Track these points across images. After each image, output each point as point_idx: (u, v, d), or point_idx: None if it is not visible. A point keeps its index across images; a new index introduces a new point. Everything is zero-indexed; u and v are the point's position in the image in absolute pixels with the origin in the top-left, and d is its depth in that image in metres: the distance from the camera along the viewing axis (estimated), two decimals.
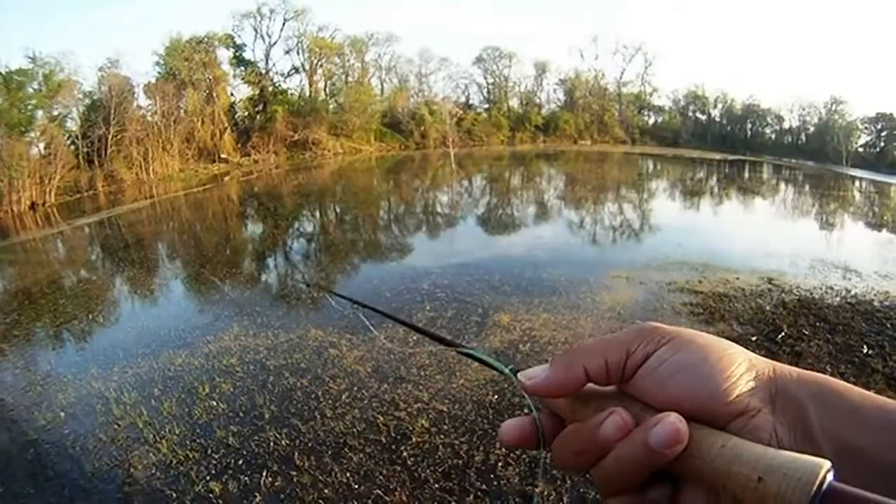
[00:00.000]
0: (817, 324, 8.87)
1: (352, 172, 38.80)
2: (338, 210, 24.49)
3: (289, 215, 23.00)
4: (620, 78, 62.22)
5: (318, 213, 23.86)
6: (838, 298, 10.18)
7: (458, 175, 33.91)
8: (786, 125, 58.14)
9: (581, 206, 22.70)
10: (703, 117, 62.17)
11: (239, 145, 45.10)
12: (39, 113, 32.69)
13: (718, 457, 0.44)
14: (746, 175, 37.79)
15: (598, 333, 8.75)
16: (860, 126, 51.38)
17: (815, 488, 0.38)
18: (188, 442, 6.38)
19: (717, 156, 43.87)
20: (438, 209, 23.69)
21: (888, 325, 8.73)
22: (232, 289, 12.56)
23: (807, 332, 8.50)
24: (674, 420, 0.45)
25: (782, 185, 33.61)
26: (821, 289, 10.72)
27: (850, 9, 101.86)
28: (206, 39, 44.33)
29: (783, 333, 8.40)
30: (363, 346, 8.68)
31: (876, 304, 9.82)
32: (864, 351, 7.74)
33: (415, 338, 8.59)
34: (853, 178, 38.52)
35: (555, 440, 0.55)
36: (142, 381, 7.98)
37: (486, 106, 60.31)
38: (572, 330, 8.90)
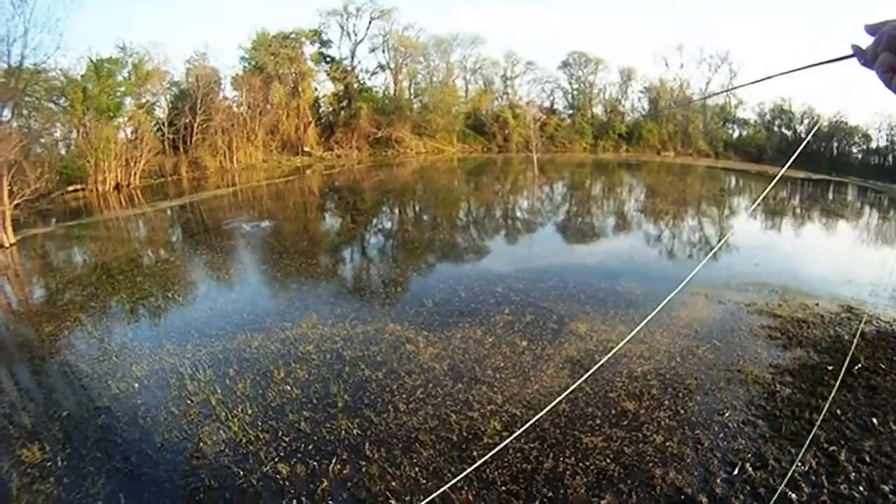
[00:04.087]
0: (895, 358, 8.37)
1: (433, 172, 39.08)
2: (417, 208, 24.60)
3: (368, 210, 23.39)
4: (706, 88, 60.45)
5: (397, 211, 24.06)
6: None
7: (540, 180, 33.56)
8: (873, 145, 55.24)
9: (660, 219, 21.97)
10: (789, 133, 59.74)
11: (322, 139, 46.26)
12: (128, 100, 34.23)
13: None
14: (830, 196, 36.09)
15: (674, 349, 8.45)
16: None
17: None
18: (259, 423, 6.48)
19: (801, 174, 41.93)
20: (517, 214, 23.52)
21: None
22: (309, 278, 12.82)
23: (884, 366, 7.95)
24: None
25: (866, 209, 31.96)
26: None
27: None
28: (292, 35, 45.39)
29: (859, 365, 7.91)
30: (440, 343, 8.67)
31: None
32: None
33: (491, 339, 8.53)
34: None
35: None
36: (217, 361, 8.19)
37: (570, 112, 59.41)
38: (648, 344, 8.59)
